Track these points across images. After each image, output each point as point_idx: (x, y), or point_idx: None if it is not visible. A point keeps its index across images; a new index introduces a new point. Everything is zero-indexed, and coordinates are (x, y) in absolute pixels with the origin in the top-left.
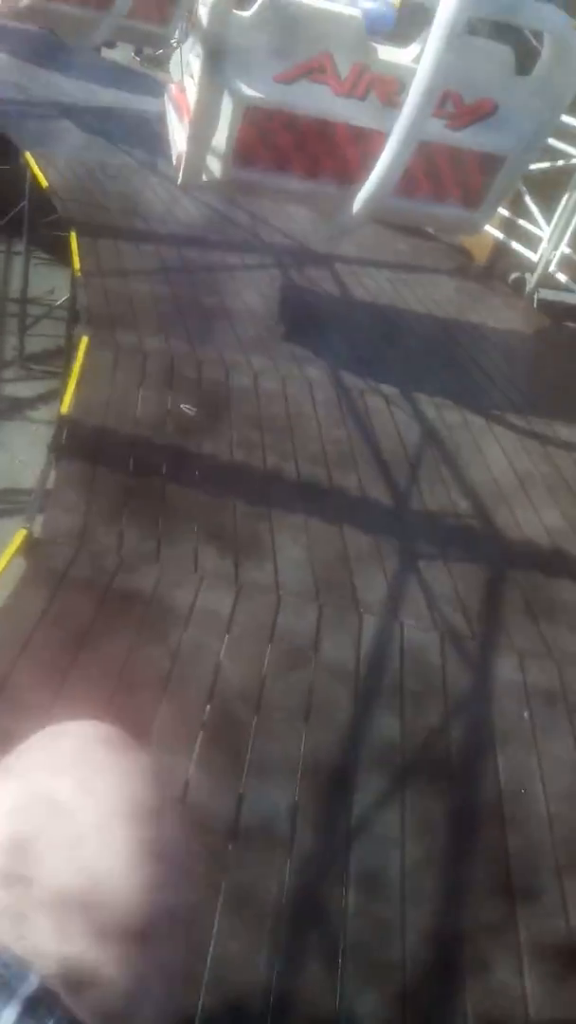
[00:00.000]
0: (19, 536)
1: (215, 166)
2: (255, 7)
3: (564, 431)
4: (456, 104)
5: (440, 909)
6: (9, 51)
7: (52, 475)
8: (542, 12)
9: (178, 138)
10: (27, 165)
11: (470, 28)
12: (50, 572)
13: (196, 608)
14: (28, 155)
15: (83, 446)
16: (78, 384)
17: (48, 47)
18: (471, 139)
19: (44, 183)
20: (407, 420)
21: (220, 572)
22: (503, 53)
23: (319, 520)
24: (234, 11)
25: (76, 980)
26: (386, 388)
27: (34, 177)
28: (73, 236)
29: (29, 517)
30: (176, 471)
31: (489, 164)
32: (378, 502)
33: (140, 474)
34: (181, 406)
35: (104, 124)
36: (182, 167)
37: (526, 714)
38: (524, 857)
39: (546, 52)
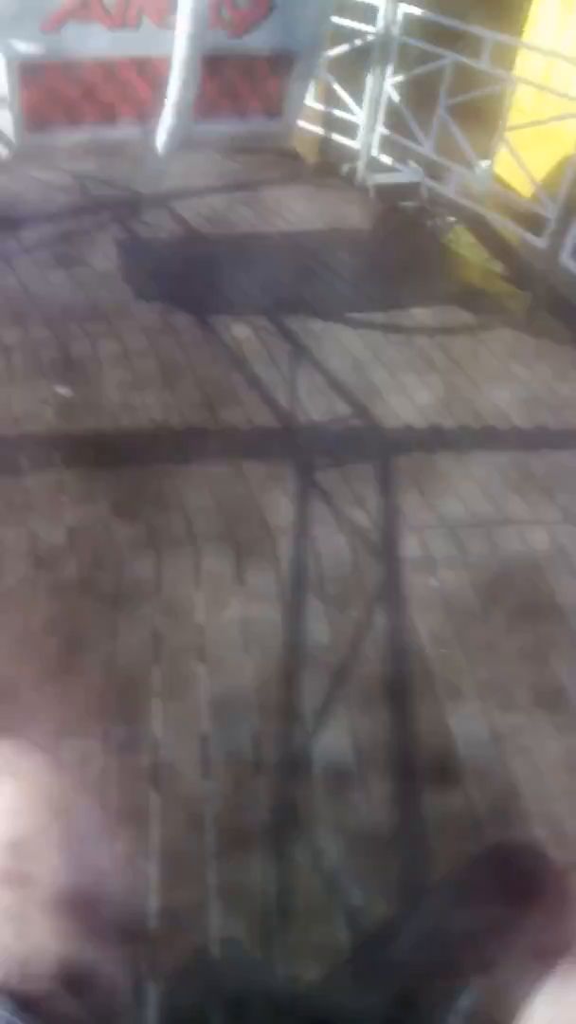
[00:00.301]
0: None
1: (9, 140)
2: None
3: (420, 313)
4: (230, 8)
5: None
6: None
7: None
8: None
9: None
10: None
11: None
12: None
13: (124, 581)
14: None
15: None
16: None
17: None
18: (255, 44)
19: None
20: (276, 341)
21: (136, 540)
22: None
23: (216, 463)
24: None
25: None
26: (249, 315)
27: None
28: None
29: None
30: (71, 456)
31: (279, 65)
32: (267, 429)
33: (36, 471)
34: (55, 389)
35: None
36: None
37: (434, 582)
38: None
39: None
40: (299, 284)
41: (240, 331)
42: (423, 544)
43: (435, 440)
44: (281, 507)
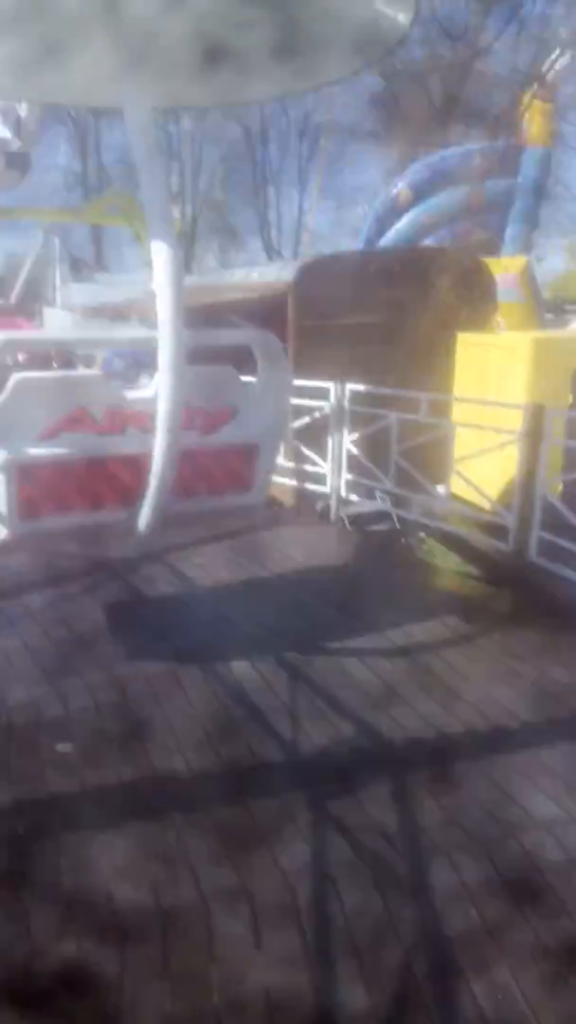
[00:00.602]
0: None
1: (3, 527)
2: (6, 391)
3: (410, 626)
4: (202, 416)
5: None
6: None
7: None
8: (246, 334)
9: None
10: None
11: (190, 359)
12: None
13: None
14: None
15: None
16: None
17: None
18: (225, 438)
19: None
20: (274, 672)
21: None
22: (226, 372)
23: (219, 802)
24: None
25: None
26: (246, 651)
27: None
28: None
29: None
30: (71, 818)
31: (247, 452)
32: (272, 761)
33: (34, 839)
34: (56, 747)
35: None
36: None
37: (474, 913)
38: None
39: (260, 361)
40: (292, 616)
41: (238, 667)
42: (454, 867)
43: (445, 747)
44: (295, 848)
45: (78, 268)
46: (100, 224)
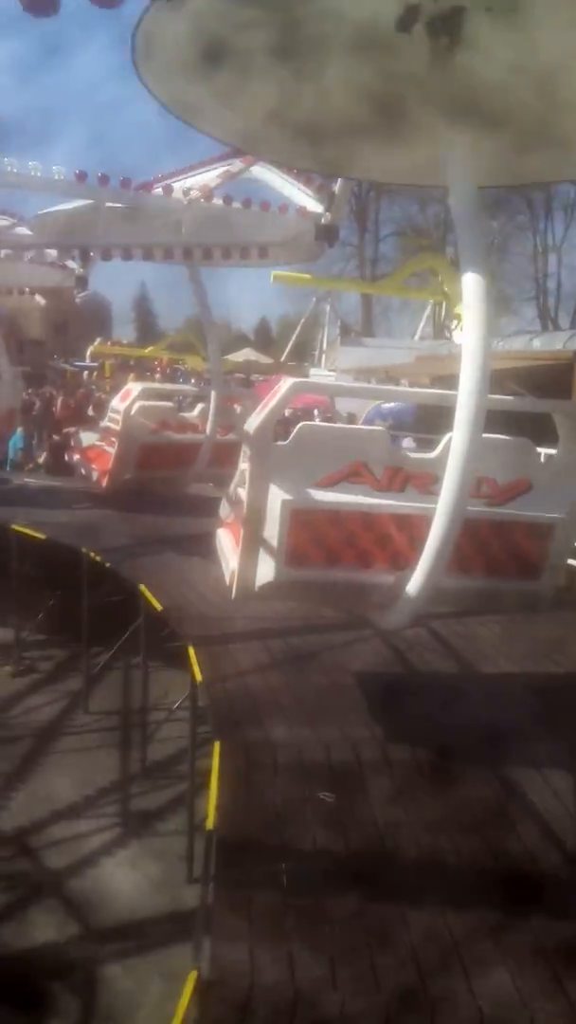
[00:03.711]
0: (191, 978)
1: (268, 570)
2: (291, 437)
3: None
4: (491, 486)
5: None
6: (114, 507)
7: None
8: (554, 404)
9: (230, 560)
10: (141, 594)
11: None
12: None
13: None
14: (142, 587)
15: (233, 862)
16: (217, 793)
17: (143, 501)
18: (514, 512)
19: (158, 607)
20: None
21: None
22: (522, 443)
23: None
24: (275, 443)
25: None
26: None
27: (148, 602)
28: (191, 649)
29: (195, 954)
30: (328, 875)
31: (539, 533)
32: (550, 871)
33: (294, 887)
34: (320, 795)
35: (198, 546)
36: (235, 579)
37: None
38: None
39: (562, 434)
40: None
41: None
42: None
43: None
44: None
45: (346, 332)
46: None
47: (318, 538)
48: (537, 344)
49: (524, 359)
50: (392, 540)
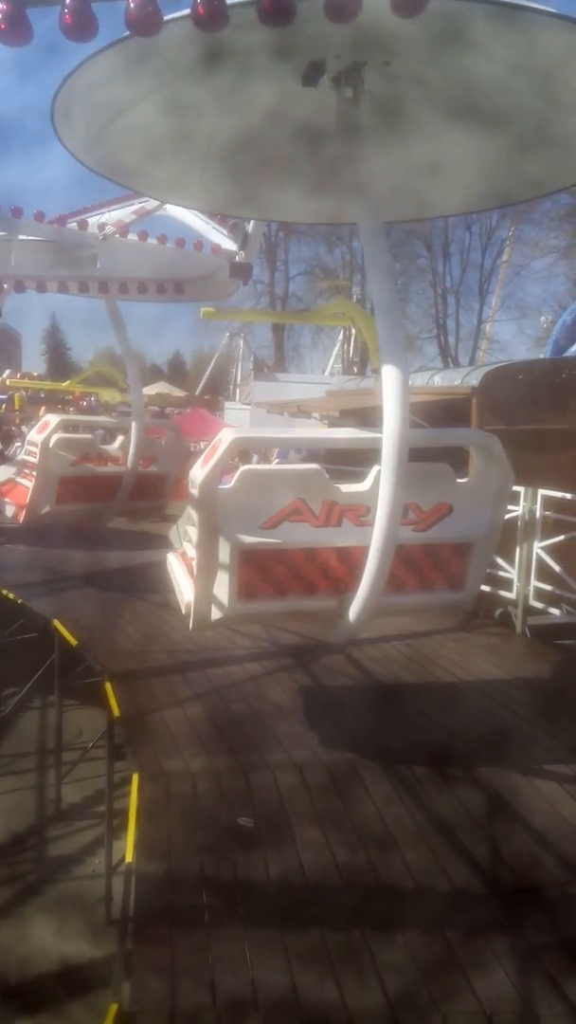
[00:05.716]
0: (111, 1011)
1: (222, 606)
2: (233, 481)
3: None
4: (416, 512)
5: None
6: (30, 542)
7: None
8: (467, 434)
9: (185, 591)
10: (55, 630)
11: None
12: None
13: None
14: (56, 622)
15: (153, 895)
16: (136, 826)
17: (61, 535)
18: (439, 535)
19: (73, 642)
20: (464, 787)
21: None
22: (442, 468)
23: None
24: (218, 487)
25: None
26: (432, 759)
27: (63, 638)
28: (108, 684)
29: (115, 987)
30: (249, 895)
31: (461, 550)
32: (467, 893)
33: (216, 917)
34: (239, 820)
35: (118, 580)
36: (192, 613)
37: None
38: None
39: (476, 460)
40: (477, 725)
41: (420, 771)
42: None
43: None
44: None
45: (260, 367)
46: (324, 324)
47: (266, 573)
48: (438, 380)
49: (426, 394)
50: (333, 569)
